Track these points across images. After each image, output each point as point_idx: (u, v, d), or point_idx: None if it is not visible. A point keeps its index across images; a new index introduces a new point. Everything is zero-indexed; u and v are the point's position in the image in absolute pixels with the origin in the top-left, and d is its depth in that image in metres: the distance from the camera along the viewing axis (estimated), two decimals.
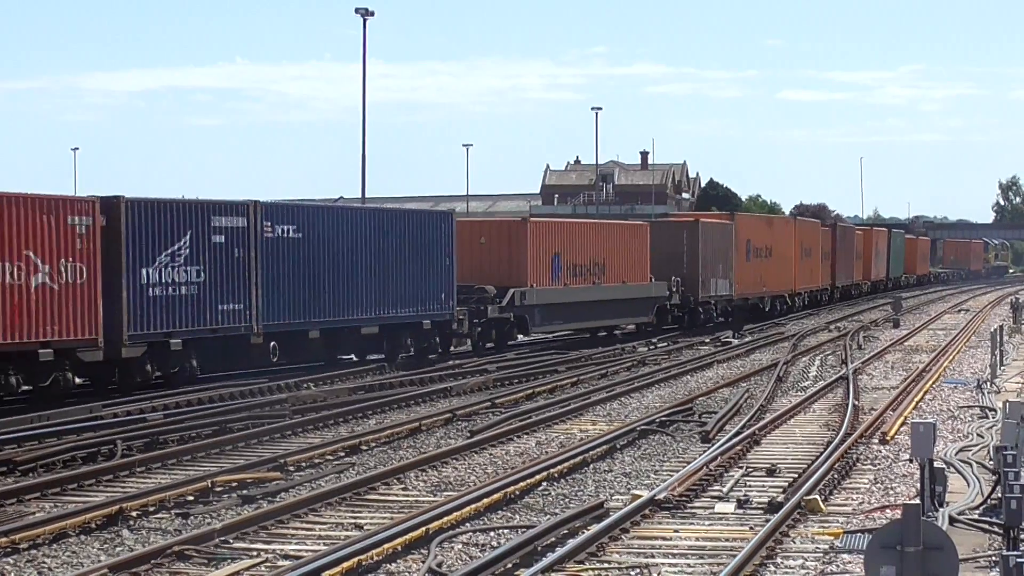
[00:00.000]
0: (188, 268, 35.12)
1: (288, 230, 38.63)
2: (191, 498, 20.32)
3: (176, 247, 34.84)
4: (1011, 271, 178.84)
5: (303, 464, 23.62)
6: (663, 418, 28.76)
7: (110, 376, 33.89)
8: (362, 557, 15.88)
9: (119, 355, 33.05)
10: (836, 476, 21.74)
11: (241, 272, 36.71)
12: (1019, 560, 12.18)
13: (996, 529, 16.94)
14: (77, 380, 32.79)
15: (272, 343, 37.86)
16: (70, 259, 31.58)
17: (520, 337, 50.62)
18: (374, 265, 41.80)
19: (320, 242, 39.71)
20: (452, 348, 45.62)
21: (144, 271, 33.83)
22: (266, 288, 37.51)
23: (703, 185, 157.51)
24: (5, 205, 30.34)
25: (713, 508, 19.64)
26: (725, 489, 20.88)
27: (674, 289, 58.29)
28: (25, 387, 31.63)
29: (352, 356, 42.40)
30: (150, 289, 34.00)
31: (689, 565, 16.29)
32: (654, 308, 57.26)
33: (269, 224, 37.96)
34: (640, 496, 19.71)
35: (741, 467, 22.90)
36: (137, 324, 33.63)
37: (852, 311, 77.39)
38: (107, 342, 32.62)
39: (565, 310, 50.83)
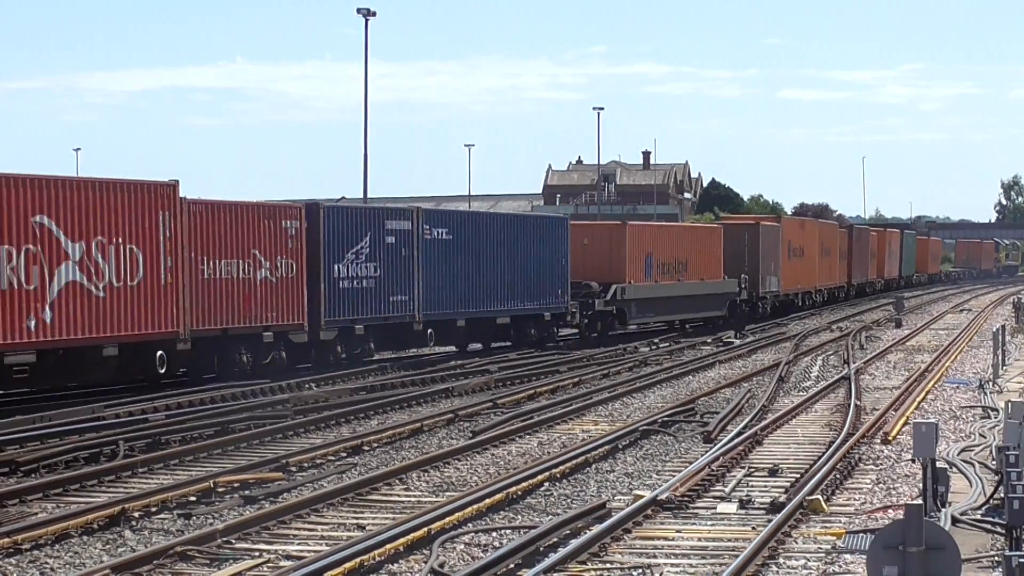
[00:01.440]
0: (368, 264, 41.26)
1: (442, 232, 44.79)
2: (193, 499, 20.32)
3: (359, 246, 40.98)
4: (1020, 271, 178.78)
5: (305, 464, 23.62)
6: (665, 418, 28.75)
7: (309, 356, 39.58)
8: (364, 557, 15.88)
9: (318, 337, 39.49)
10: (838, 476, 21.73)
11: (406, 269, 42.94)
12: (1021, 560, 12.18)
13: (999, 529, 16.94)
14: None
15: (429, 330, 44.17)
16: (283, 256, 38.19)
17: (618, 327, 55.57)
18: (507, 264, 48.02)
19: (466, 243, 45.91)
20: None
21: (336, 267, 40.02)
22: (425, 282, 43.65)
23: (705, 185, 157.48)
24: (239, 212, 37.03)
25: (715, 508, 19.63)
26: (727, 489, 20.87)
27: (743, 285, 64.38)
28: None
29: (479, 344, 48.18)
30: (340, 282, 40.18)
31: (691, 565, 16.28)
32: (727, 303, 63.06)
33: (428, 227, 44.00)
34: (642, 496, 19.70)
35: (743, 467, 22.89)
36: (331, 311, 39.79)
37: (854, 311, 77.43)
38: (310, 326, 39.14)
39: (656, 304, 56.96)
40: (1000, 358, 39.54)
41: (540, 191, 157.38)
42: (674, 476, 21.65)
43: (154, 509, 19.51)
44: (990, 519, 17.81)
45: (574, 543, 16.68)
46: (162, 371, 34.47)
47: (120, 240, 33.04)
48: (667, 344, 51.71)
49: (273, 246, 37.77)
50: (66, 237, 31.70)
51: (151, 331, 33.84)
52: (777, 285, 69.69)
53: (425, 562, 16.08)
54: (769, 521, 18.14)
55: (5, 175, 30.65)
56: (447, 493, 20.88)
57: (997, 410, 29.24)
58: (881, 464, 23.30)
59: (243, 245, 36.77)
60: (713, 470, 22.15)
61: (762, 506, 19.57)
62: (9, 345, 30.29)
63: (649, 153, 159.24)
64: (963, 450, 24.14)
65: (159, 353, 34.22)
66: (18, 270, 30.53)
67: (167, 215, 34.29)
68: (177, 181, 35.05)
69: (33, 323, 30.78)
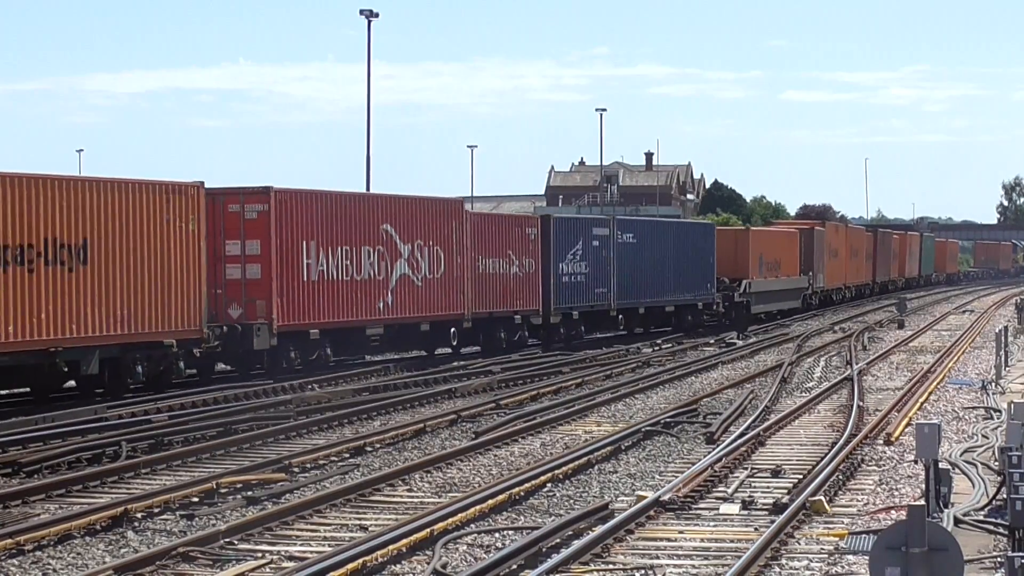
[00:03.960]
0: (580, 263, 51.55)
1: (629, 237, 55.06)
2: (196, 499, 20.31)
3: (575, 249, 51.25)
4: None
5: (308, 465, 23.62)
6: (668, 419, 28.74)
7: (539, 336, 50.04)
8: (367, 558, 15.88)
9: (549, 320, 49.99)
10: (841, 477, 21.72)
11: (605, 266, 53.11)
12: None
13: (1001, 530, 16.92)
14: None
15: (620, 316, 54.55)
16: (527, 256, 48.81)
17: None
18: (673, 262, 58.33)
19: (646, 246, 56.14)
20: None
21: (560, 265, 50.27)
22: (618, 277, 53.81)
23: (708, 186, 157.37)
24: (500, 221, 49.03)
25: (718, 509, 19.62)
26: (730, 490, 20.86)
27: (811, 281, 76.56)
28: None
29: (638, 329, 57.17)
30: (563, 277, 50.43)
31: (694, 566, 16.27)
32: (800, 296, 74.79)
33: (620, 233, 54.29)
34: (645, 497, 19.70)
35: (746, 468, 22.88)
36: (558, 300, 50.12)
37: (857, 312, 77.49)
38: (543, 311, 49.61)
39: (765, 296, 68.77)
40: (1003, 359, 39.52)
41: (543, 192, 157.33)
42: (677, 477, 21.65)
43: (157, 510, 19.51)
44: (993, 520, 17.79)
45: (577, 544, 16.68)
46: (454, 343, 45.34)
47: (431, 243, 43.66)
48: (670, 345, 51.72)
49: (520, 248, 48.54)
50: (400, 240, 42.24)
51: (448, 312, 44.48)
52: (823, 281, 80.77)
53: (428, 563, 16.08)
54: (772, 522, 18.13)
55: (366, 194, 43.64)
56: (450, 494, 20.87)
57: (1000, 411, 29.22)
58: (884, 465, 23.29)
59: (502, 247, 47.54)
60: (716, 471, 22.15)
61: (765, 507, 19.57)
62: (368, 320, 40.91)
63: (652, 154, 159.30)
64: (966, 451, 24.11)
65: (452, 330, 44.98)
66: (373, 265, 41.07)
67: (456, 223, 45.05)
68: (463, 199, 48.08)
69: (381, 304, 41.43)
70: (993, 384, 35.50)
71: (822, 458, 23.20)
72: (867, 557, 12.92)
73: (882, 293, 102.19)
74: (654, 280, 56.73)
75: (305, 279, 38.17)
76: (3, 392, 32.54)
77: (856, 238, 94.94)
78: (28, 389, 32.99)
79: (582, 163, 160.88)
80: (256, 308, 36.73)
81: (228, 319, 36.52)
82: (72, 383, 33.27)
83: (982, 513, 18.44)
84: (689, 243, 60.49)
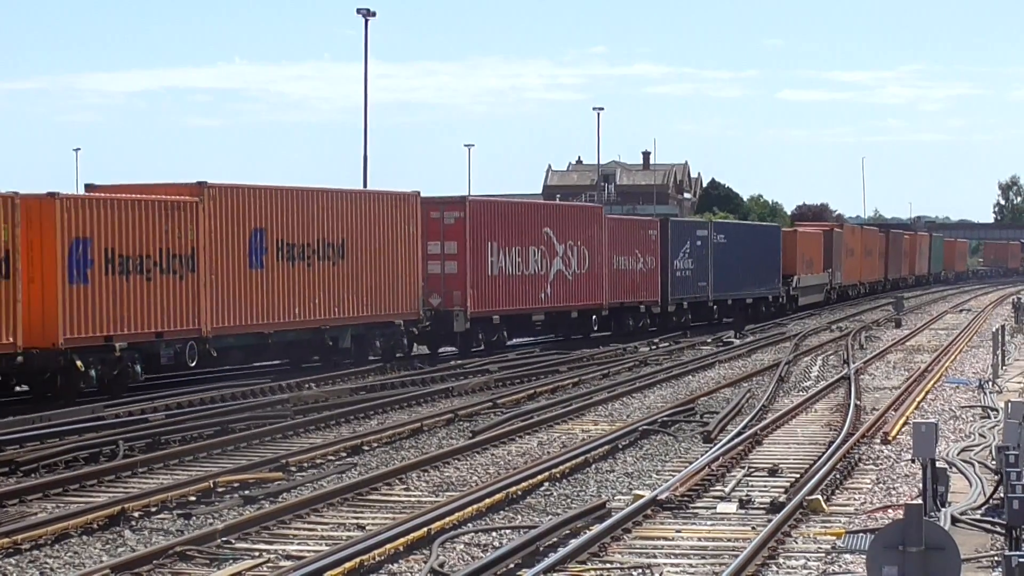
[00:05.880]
0: (688, 260, 60.17)
1: (721, 238, 63.99)
2: (193, 498, 20.32)
3: (684, 248, 59.90)
4: None
5: (305, 464, 23.62)
6: (665, 418, 28.74)
7: (656, 323, 57.55)
8: (364, 557, 15.89)
9: (666, 309, 58.53)
10: (838, 476, 21.73)
11: (705, 264, 61.75)
12: (1021, 560, 12.18)
13: (998, 529, 16.94)
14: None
15: (714, 305, 63.37)
16: (649, 255, 56.96)
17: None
18: (753, 260, 67.00)
19: (733, 246, 64.80)
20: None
21: (674, 262, 58.78)
22: (714, 273, 62.45)
23: (704, 185, 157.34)
24: (629, 224, 57.78)
25: (715, 508, 19.63)
26: (727, 489, 20.87)
27: (830, 278, 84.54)
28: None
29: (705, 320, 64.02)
30: (675, 272, 58.94)
31: (691, 565, 16.28)
32: (824, 291, 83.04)
33: (715, 234, 63.37)
34: (642, 496, 19.70)
35: (743, 467, 22.89)
36: (673, 292, 58.50)
37: (854, 311, 77.52)
38: (661, 302, 58.01)
39: (807, 290, 77.68)
40: (1000, 358, 39.53)
41: (540, 191, 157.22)
42: (674, 476, 21.65)
43: (154, 509, 19.51)
44: (990, 519, 17.81)
45: (574, 543, 16.69)
46: (595, 328, 53.32)
47: (579, 243, 51.62)
48: (667, 344, 51.72)
49: (644, 247, 56.65)
50: (557, 241, 50.16)
51: (591, 302, 52.58)
52: (840, 278, 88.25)
53: (425, 562, 16.09)
54: (769, 521, 18.14)
55: (532, 202, 53.60)
56: (447, 493, 20.88)
57: (997, 410, 29.24)
58: (881, 464, 23.30)
59: (631, 246, 55.62)
60: (713, 470, 22.15)
61: (762, 506, 19.57)
62: (534, 308, 49.15)
63: (649, 153, 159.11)
64: (963, 450, 24.13)
65: (593, 316, 53.20)
66: (537, 262, 49.06)
67: (597, 226, 53.09)
68: (602, 206, 58.58)
69: (543, 295, 49.53)
70: (990, 383, 35.51)
71: (819, 457, 23.20)
72: (864, 556, 12.93)
73: (894, 289, 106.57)
74: (739, 275, 65.15)
75: (489, 274, 46.26)
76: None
77: (870, 238, 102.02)
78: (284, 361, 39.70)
79: (579, 162, 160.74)
80: (453, 297, 44.70)
81: (430, 306, 43.76)
82: (316, 357, 39.87)
83: (979, 512, 18.46)
84: (762, 243, 69.93)
